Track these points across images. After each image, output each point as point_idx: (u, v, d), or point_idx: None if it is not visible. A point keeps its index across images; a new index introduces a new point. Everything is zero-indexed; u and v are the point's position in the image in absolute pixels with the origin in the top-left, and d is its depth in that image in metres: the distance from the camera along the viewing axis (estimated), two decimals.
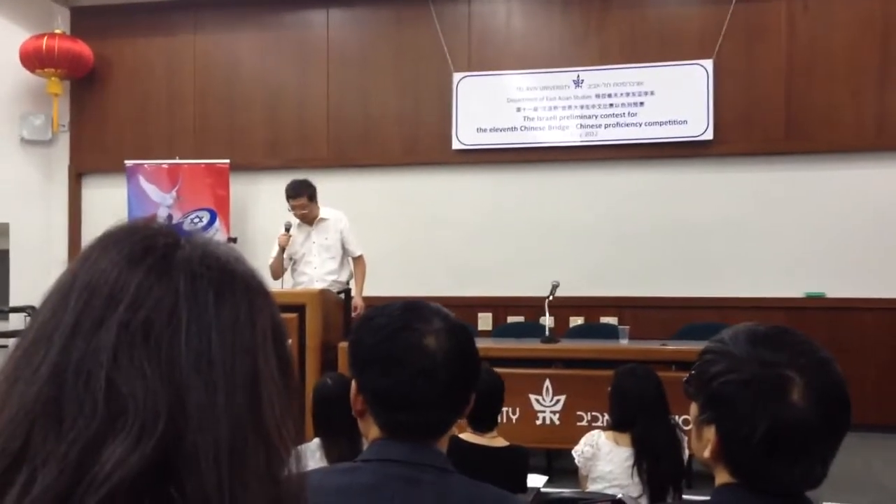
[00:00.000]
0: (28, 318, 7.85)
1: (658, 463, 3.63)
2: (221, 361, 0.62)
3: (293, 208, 6.41)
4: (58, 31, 8.39)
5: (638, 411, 3.69)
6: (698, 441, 1.39)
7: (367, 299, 6.43)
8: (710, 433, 1.35)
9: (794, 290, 7.39)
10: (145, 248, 0.65)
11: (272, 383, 0.64)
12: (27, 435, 0.58)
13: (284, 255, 6.43)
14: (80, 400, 0.59)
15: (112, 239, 0.66)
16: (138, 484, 0.57)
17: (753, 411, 1.28)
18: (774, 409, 1.27)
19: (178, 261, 0.65)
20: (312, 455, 3.30)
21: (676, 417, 3.93)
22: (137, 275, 0.63)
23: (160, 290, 0.63)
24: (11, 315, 8.25)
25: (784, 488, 1.31)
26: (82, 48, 8.45)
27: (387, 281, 7.07)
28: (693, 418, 1.41)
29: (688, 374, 1.43)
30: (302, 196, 6.36)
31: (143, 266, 0.63)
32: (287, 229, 6.41)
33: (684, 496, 3.82)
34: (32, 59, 8.24)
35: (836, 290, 7.33)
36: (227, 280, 0.66)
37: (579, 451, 3.83)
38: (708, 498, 1.40)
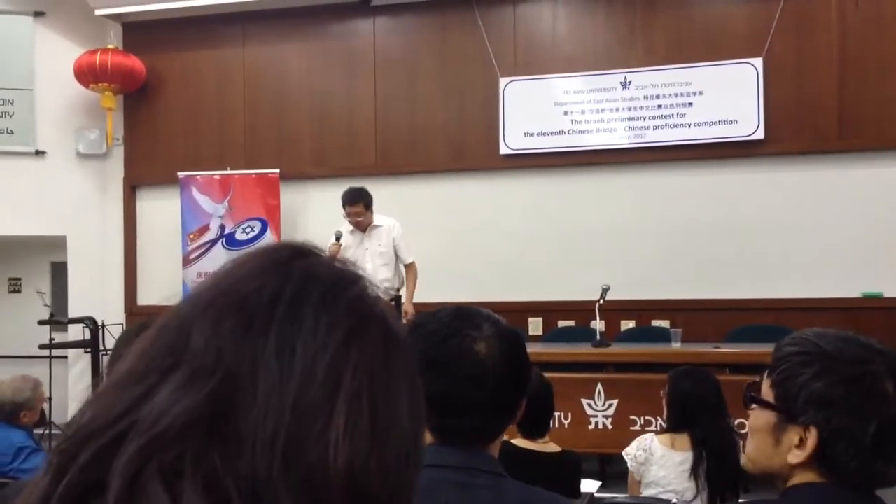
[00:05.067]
0: (85, 329, 8.03)
1: (719, 465, 3.60)
2: (303, 356, 0.61)
3: (349, 215, 6.47)
4: (110, 47, 8.56)
5: (699, 412, 3.65)
6: (774, 448, 1.35)
7: (416, 305, 6.47)
8: (795, 437, 1.31)
9: (850, 290, 7.25)
10: (291, 254, 0.67)
11: (358, 408, 0.62)
12: (126, 403, 0.59)
13: None
14: (155, 355, 0.61)
15: (267, 247, 0.69)
16: (182, 441, 0.56)
17: (863, 411, 1.27)
18: (881, 407, 1.27)
19: (303, 265, 0.66)
20: None
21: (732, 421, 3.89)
22: (262, 269, 0.65)
23: (268, 277, 0.63)
24: (70, 326, 8.42)
25: (883, 485, 1.30)
26: (134, 63, 8.60)
27: (436, 287, 7.09)
28: (764, 426, 1.37)
29: (750, 381, 1.41)
30: (359, 203, 6.44)
31: (269, 262, 0.65)
32: (338, 238, 6.45)
33: (741, 500, 3.77)
34: (86, 75, 8.42)
35: (895, 289, 7.18)
36: (336, 294, 0.65)
37: (632, 455, 3.79)
38: (775, 497, 1.37)
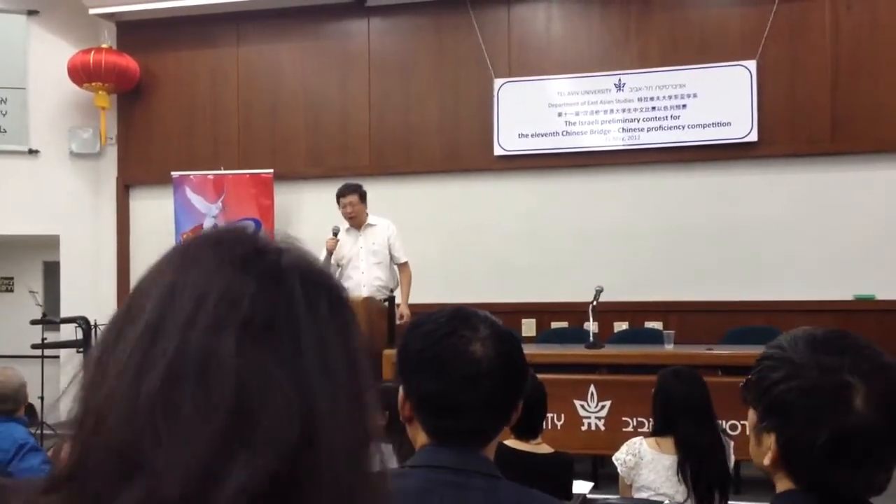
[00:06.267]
0: (100, 324, 7.98)
1: (702, 467, 3.58)
2: (340, 369, 0.60)
3: (343, 206, 6.50)
4: (104, 46, 8.54)
5: (682, 414, 3.63)
6: (758, 448, 1.37)
7: (411, 306, 6.46)
8: (769, 441, 1.32)
9: (843, 292, 7.27)
10: (257, 252, 0.64)
11: (372, 394, 0.64)
12: (138, 433, 0.55)
13: (332, 261, 6.48)
14: (199, 396, 0.56)
15: (216, 242, 0.66)
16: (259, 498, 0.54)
17: (815, 419, 1.26)
18: (836, 417, 1.25)
19: (288, 267, 0.64)
20: None
21: (723, 423, 3.88)
22: (252, 278, 0.62)
23: (276, 294, 0.61)
24: (62, 325, 8.39)
25: (847, 495, 1.29)
26: (128, 62, 8.59)
27: (430, 288, 7.09)
28: (751, 425, 1.38)
29: (744, 380, 1.42)
30: (353, 193, 6.48)
31: (256, 270, 0.63)
32: (335, 234, 6.46)
33: (731, 502, 3.76)
34: (80, 74, 8.40)
35: (887, 292, 7.20)
36: (335, 290, 0.66)
37: (621, 460, 3.76)
38: None
